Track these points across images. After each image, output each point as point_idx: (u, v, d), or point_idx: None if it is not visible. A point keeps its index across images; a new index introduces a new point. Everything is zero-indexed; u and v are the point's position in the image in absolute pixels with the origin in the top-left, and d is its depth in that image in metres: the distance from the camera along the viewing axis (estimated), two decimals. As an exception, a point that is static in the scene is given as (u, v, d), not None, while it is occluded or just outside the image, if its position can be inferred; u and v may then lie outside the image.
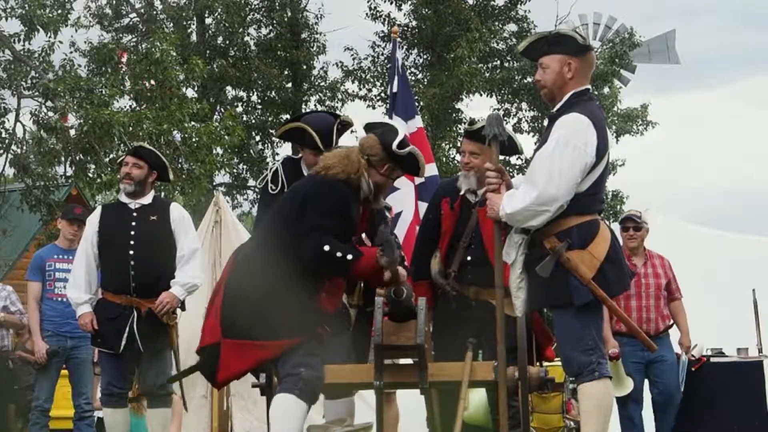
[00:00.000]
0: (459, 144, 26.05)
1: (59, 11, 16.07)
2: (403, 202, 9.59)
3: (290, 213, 5.05)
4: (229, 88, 25.76)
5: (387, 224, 6.43)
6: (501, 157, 5.44)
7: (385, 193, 9.16)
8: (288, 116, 26.11)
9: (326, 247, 4.86)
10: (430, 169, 9.92)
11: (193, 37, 25.64)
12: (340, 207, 5.01)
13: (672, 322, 8.41)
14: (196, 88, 21.57)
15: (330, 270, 4.97)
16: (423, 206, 9.47)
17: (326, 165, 5.11)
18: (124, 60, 16.74)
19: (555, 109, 5.11)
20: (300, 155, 6.21)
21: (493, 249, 5.28)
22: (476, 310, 5.93)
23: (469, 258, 6.02)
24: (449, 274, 6.07)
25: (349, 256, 4.89)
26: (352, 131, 6.39)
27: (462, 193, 6.10)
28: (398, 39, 11.41)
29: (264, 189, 6.19)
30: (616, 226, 8.24)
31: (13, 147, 16.50)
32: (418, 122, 10.33)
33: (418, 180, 9.80)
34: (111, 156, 15.45)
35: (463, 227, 6.05)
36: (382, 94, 24.90)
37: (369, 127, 5.38)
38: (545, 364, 5.98)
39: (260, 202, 6.39)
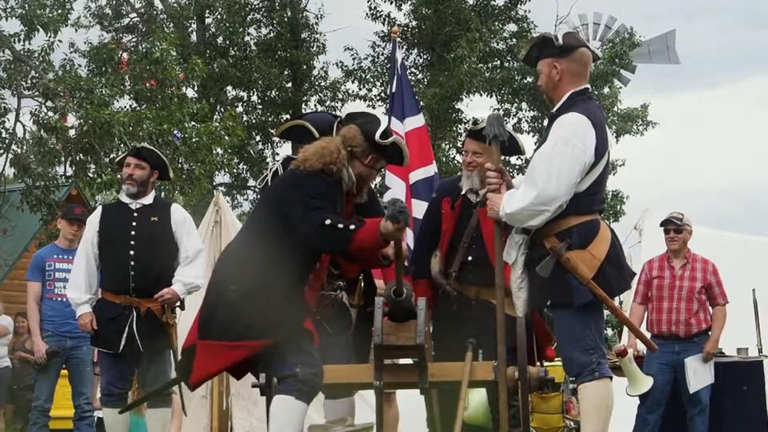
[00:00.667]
0: (459, 144, 26.08)
1: (59, 11, 16.07)
2: None
3: (273, 207, 4.98)
4: (229, 88, 25.75)
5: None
6: (502, 157, 5.44)
7: (383, 192, 9.13)
8: (288, 116, 26.14)
9: (327, 221, 4.77)
10: (432, 169, 9.92)
11: (193, 37, 25.64)
12: (325, 193, 4.92)
13: (709, 327, 8.44)
14: (195, 88, 21.56)
15: (331, 243, 4.85)
16: (419, 204, 9.49)
17: (304, 158, 5.02)
18: (124, 57, 16.74)
19: (554, 109, 5.13)
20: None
21: (493, 249, 5.28)
22: (476, 310, 5.92)
23: (470, 258, 6.02)
24: (450, 274, 6.07)
25: (351, 227, 4.79)
26: None
27: (463, 192, 6.10)
28: (398, 39, 11.41)
29: (264, 188, 6.18)
30: (615, 226, 8.25)
31: (13, 147, 16.49)
32: (420, 120, 10.31)
33: (413, 179, 9.82)
34: (111, 156, 15.44)
35: (463, 227, 6.05)
36: (382, 94, 24.90)
37: (350, 117, 5.32)
38: (545, 364, 5.99)
39: None
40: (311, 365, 4.89)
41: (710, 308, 8.46)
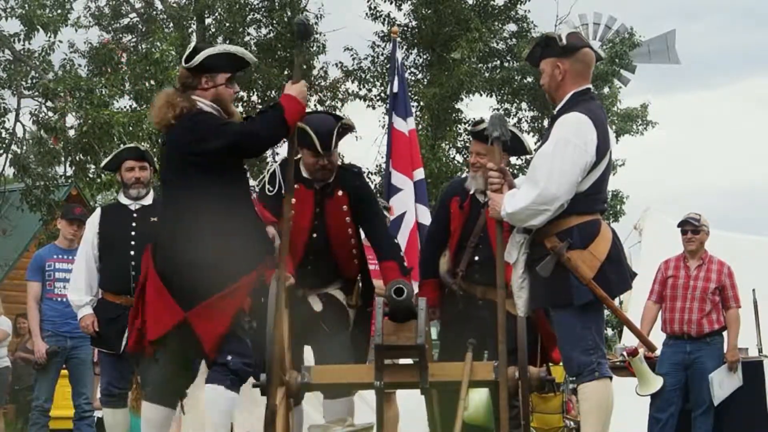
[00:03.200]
0: (459, 144, 25.97)
1: (59, 11, 16.08)
2: (406, 203, 9.59)
3: (181, 155, 5.09)
4: (229, 88, 25.72)
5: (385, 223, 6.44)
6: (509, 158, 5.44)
7: (389, 194, 9.14)
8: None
9: (258, 108, 5.00)
10: (418, 174, 9.94)
11: (193, 38, 25.63)
12: (210, 118, 5.10)
13: (721, 327, 8.49)
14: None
15: (270, 129, 5.07)
16: (421, 209, 9.52)
17: (168, 114, 5.12)
18: (123, 59, 16.74)
19: (556, 109, 5.13)
20: (299, 156, 6.18)
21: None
22: (483, 310, 5.93)
23: (477, 258, 6.03)
24: (457, 273, 6.07)
25: (278, 107, 5.07)
26: (352, 133, 6.35)
27: (472, 192, 6.10)
28: (398, 39, 11.41)
29: (261, 190, 6.16)
30: (615, 226, 8.28)
31: (13, 147, 16.50)
32: (411, 124, 10.32)
33: (416, 177, 9.83)
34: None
35: (471, 227, 6.06)
36: (382, 94, 24.88)
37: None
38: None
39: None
40: (243, 356, 5.04)
41: (723, 310, 8.49)
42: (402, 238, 8.98)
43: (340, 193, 6.01)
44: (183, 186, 5.12)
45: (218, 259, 4.95)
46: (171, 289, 5.02)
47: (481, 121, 6.13)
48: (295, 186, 5.98)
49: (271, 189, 6.03)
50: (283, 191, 5.94)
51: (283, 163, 6.16)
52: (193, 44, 5.29)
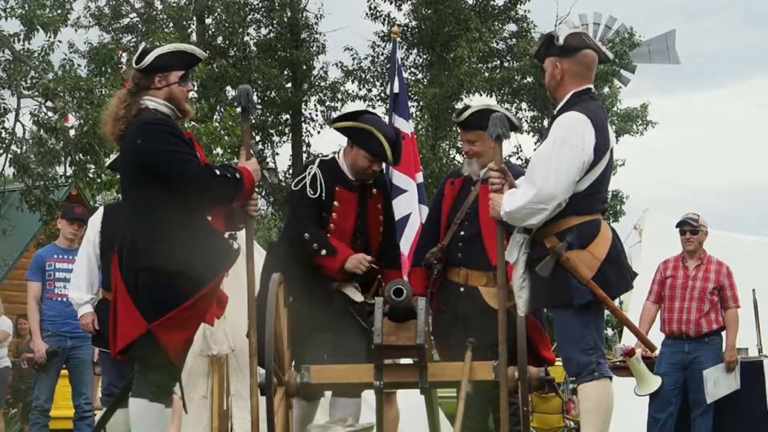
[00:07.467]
0: (459, 144, 25.93)
1: (59, 11, 16.10)
2: (411, 204, 9.55)
3: (140, 168, 5.05)
4: (228, 88, 25.74)
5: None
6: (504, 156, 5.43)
7: (395, 196, 9.09)
8: (288, 116, 26.17)
9: (217, 171, 5.04)
10: (418, 178, 9.92)
11: (193, 37, 25.63)
12: (173, 135, 5.06)
13: (720, 327, 8.50)
14: (195, 88, 21.55)
15: (224, 191, 5.06)
16: (424, 209, 9.48)
17: (120, 116, 5.10)
18: (124, 59, 16.75)
19: (556, 109, 5.13)
20: (331, 155, 6.10)
21: (488, 227, 5.26)
22: (465, 302, 5.83)
23: (462, 233, 5.91)
24: (440, 249, 5.98)
25: (238, 175, 5.07)
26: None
27: (465, 174, 6.05)
28: (398, 39, 11.40)
29: (301, 192, 5.95)
30: (615, 226, 8.28)
31: (13, 147, 16.52)
32: (411, 127, 10.30)
33: (417, 180, 9.82)
34: (111, 156, 15.46)
35: (460, 203, 5.99)
36: (382, 94, 24.90)
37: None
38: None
39: (293, 205, 6.20)
40: (164, 368, 5.01)
41: (722, 310, 8.50)
42: (407, 240, 8.94)
43: (375, 191, 6.06)
44: (139, 194, 5.08)
45: (178, 269, 4.93)
46: (135, 299, 4.98)
47: (465, 108, 6.06)
48: (337, 188, 5.94)
49: (312, 192, 5.95)
50: (323, 196, 5.90)
51: (321, 165, 6.04)
52: (141, 46, 5.28)
